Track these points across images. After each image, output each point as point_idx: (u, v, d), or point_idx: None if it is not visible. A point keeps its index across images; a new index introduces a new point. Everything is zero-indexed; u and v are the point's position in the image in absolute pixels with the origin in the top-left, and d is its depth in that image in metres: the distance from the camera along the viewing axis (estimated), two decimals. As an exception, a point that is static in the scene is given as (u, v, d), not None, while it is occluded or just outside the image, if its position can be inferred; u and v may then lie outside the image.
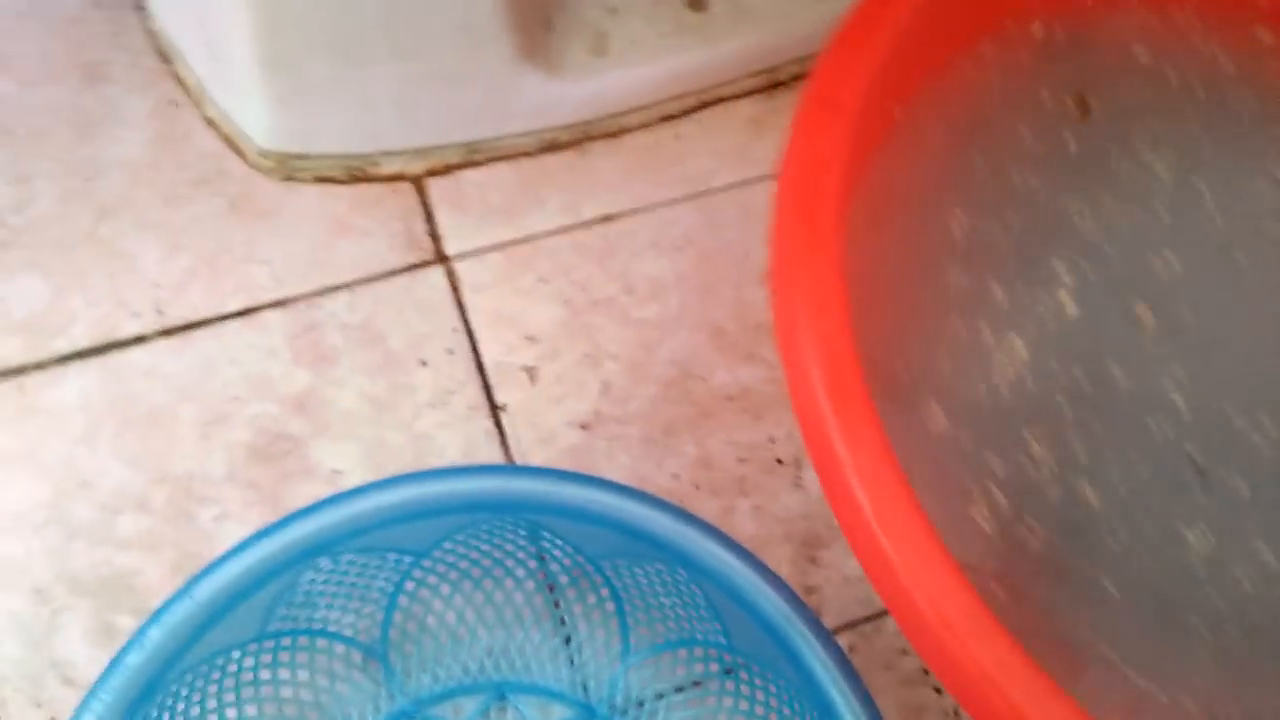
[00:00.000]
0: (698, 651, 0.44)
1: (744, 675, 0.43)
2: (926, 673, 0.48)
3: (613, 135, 0.59)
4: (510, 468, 0.44)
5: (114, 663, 0.35)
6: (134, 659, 0.35)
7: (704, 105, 0.60)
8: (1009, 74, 0.48)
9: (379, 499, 0.38)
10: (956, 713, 0.47)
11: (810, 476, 0.51)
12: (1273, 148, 0.49)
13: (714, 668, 0.43)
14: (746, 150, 0.59)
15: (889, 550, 0.33)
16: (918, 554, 0.33)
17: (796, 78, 0.61)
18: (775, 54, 0.60)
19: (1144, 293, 0.45)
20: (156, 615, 0.36)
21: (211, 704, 0.40)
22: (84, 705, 0.35)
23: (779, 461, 0.52)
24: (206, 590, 0.36)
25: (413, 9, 0.49)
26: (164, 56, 0.58)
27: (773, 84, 0.61)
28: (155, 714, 0.36)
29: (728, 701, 0.43)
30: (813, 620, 0.38)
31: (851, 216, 0.39)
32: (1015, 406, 0.43)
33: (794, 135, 0.40)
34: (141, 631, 0.36)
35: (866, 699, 0.37)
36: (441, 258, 0.55)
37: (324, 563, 0.39)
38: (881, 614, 0.49)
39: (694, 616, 0.43)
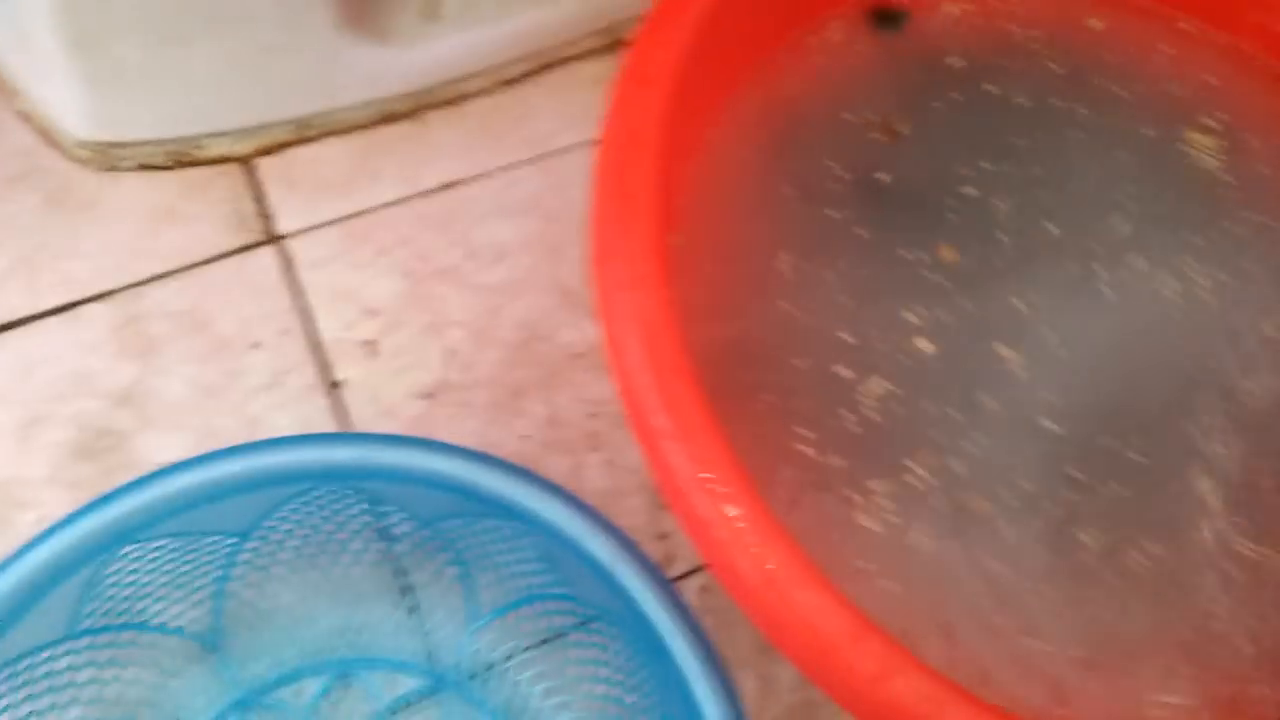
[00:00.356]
0: (550, 605, 0.42)
1: (596, 626, 0.41)
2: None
3: (451, 103, 0.58)
4: (329, 435, 0.42)
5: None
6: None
7: (546, 67, 0.59)
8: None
9: (186, 478, 0.37)
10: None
11: (665, 428, 0.50)
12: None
13: (559, 621, 0.42)
14: (590, 111, 0.58)
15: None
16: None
17: (635, 33, 0.60)
18: (616, 11, 0.59)
19: (1001, 331, 0.43)
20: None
21: (24, 709, 0.37)
22: None
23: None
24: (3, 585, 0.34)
25: (215, -22, 0.48)
26: (-31, 52, 0.55)
27: (615, 42, 0.60)
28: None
29: (575, 653, 0.42)
30: (644, 562, 0.37)
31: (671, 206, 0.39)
32: (890, 434, 0.41)
33: (612, 109, 0.39)
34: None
35: (701, 637, 0.36)
36: (273, 237, 0.53)
37: (130, 550, 0.37)
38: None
39: (535, 571, 0.41)
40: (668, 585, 0.36)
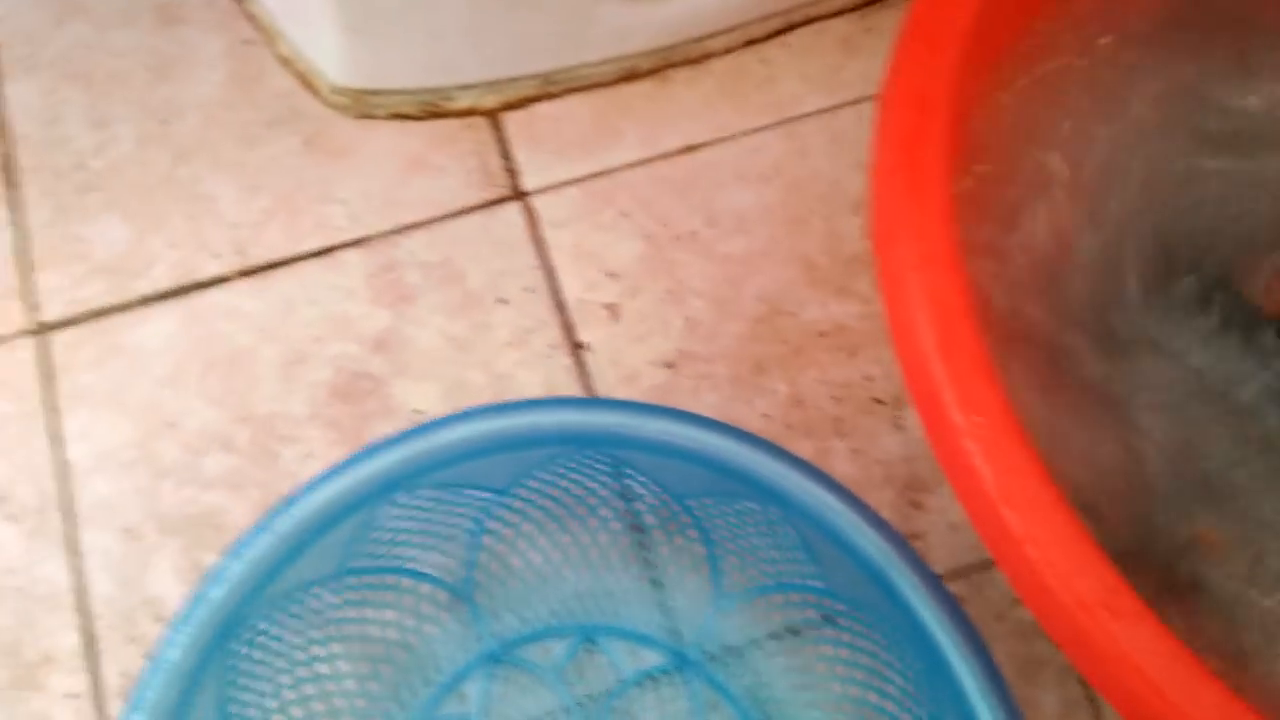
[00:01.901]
0: (794, 597, 0.42)
1: (844, 623, 0.40)
2: (1037, 621, 0.45)
3: (695, 61, 0.56)
4: (594, 400, 0.42)
5: (197, 597, 0.35)
6: (215, 592, 0.35)
7: (792, 26, 0.57)
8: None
9: (456, 432, 0.37)
10: (1070, 664, 0.44)
11: (912, 417, 0.49)
12: None
13: (812, 614, 0.41)
14: (837, 73, 0.56)
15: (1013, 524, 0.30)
16: (1045, 525, 0.30)
17: (892, -6, 0.58)
18: (868, -31, 0.57)
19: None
20: (236, 549, 0.35)
21: (296, 639, 0.39)
22: (168, 639, 0.34)
23: (877, 401, 0.49)
24: (286, 524, 0.35)
25: (485, -72, 0.47)
26: (238, -5, 0.57)
27: (865, 1, 0.57)
28: (239, 648, 0.36)
29: (826, 649, 0.41)
30: (918, 564, 0.36)
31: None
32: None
33: (894, 66, 0.37)
34: (222, 565, 0.35)
35: (980, 648, 0.34)
36: (519, 194, 0.53)
37: (401, 498, 0.38)
38: (993, 563, 0.46)
39: (789, 559, 0.40)
40: (947, 593, 0.35)
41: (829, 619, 0.41)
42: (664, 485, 0.41)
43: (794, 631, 0.42)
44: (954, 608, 0.35)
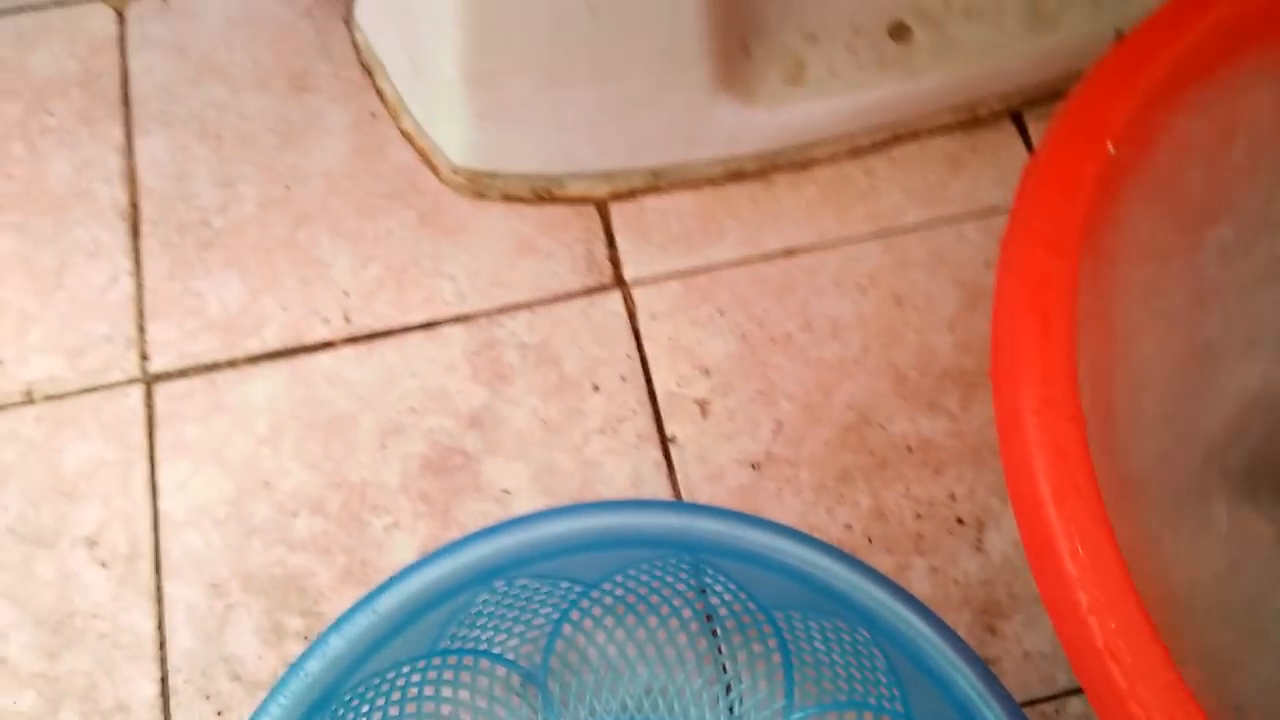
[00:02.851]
0: (869, 717, 0.41)
1: (920, 748, 0.40)
2: (1116, 766, 0.44)
3: (800, 167, 0.58)
4: (692, 506, 0.43)
5: (294, 667, 0.35)
6: (314, 666, 0.35)
7: (897, 140, 0.58)
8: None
9: (559, 526, 0.38)
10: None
11: (992, 540, 0.48)
12: None
13: (886, 735, 0.41)
14: (940, 189, 0.57)
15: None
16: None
17: (997, 114, 0.59)
18: (978, 90, 0.58)
19: None
20: (338, 624, 0.36)
21: (376, 717, 0.40)
22: (262, 708, 0.35)
23: (959, 521, 0.49)
24: (389, 603, 0.36)
25: (618, 31, 0.49)
26: (366, 69, 0.59)
27: (972, 120, 0.59)
28: (328, 723, 0.36)
29: (900, 774, 0.40)
30: (1008, 700, 0.35)
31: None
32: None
33: (1025, 200, 0.37)
34: (323, 639, 0.36)
35: (1067, 795, 0.34)
36: (620, 282, 0.54)
37: (499, 585, 0.39)
38: (1065, 694, 0.46)
39: (870, 680, 0.40)
40: (1038, 736, 0.34)
41: (907, 745, 0.40)
42: (750, 593, 0.41)
43: (870, 754, 0.41)
44: (1045, 754, 0.34)
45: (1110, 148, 0.38)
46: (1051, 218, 0.36)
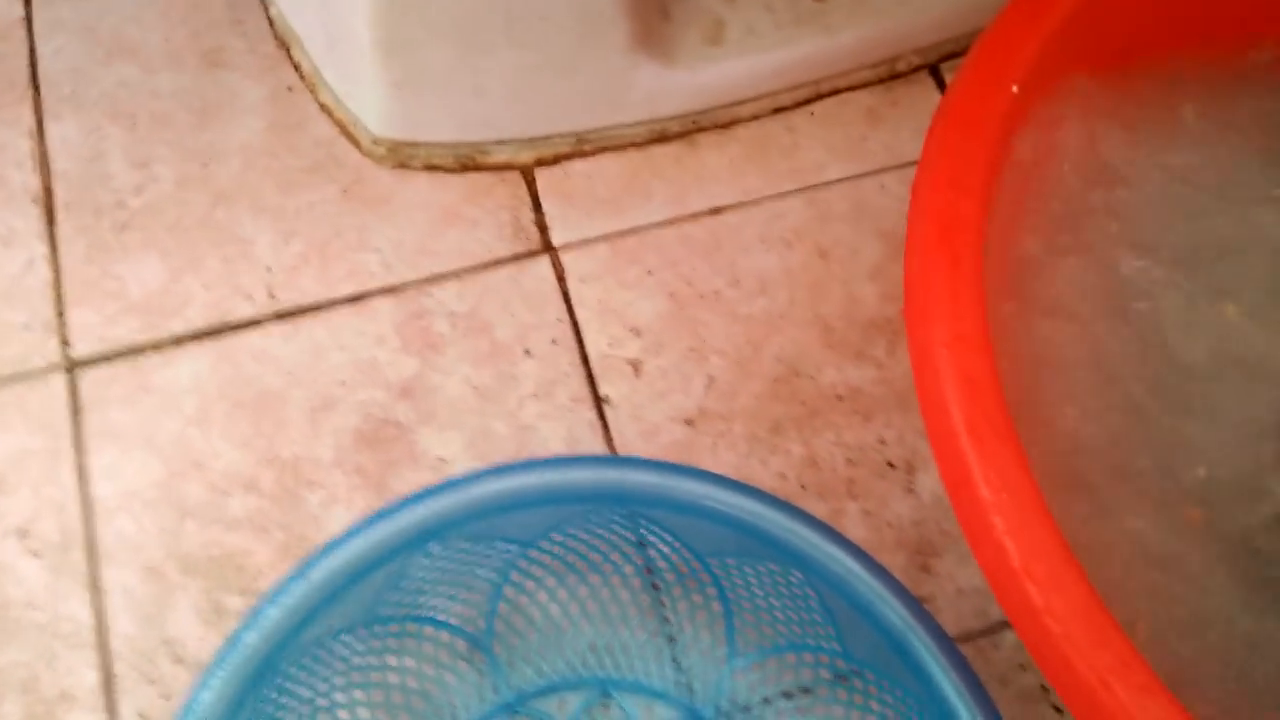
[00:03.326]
0: (808, 657, 0.42)
1: (858, 684, 0.41)
2: (1046, 689, 0.46)
3: (723, 126, 0.58)
4: (625, 459, 0.43)
5: (231, 640, 0.35)
6: (251, 638, 0.35)
7: (818, 96, 0.59)
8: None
9: (494, 485, 0.38)
10: (1077, 734, 0.45)
11: (923, 482, 0.50)
12: None
13: (825, 674, 0.42)
14: (861, 143, 0.58)
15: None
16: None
17: (915, 69, 0.60)
18: (895, 44, 0.59)
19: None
20: (273, 595, 0.36)
21: (322, 686, 0.40)
22: (202, 683, 0.35)
23: (890, 465, 0.50)
24: (322, 572, 0.36)
25: (531, -5, 0.49)
26: (281, 42, 0.58)
27: (891, 75, 0.59)
28: (269, 693, 0.36)
29: (838, 710, 0.41)
30: (936, 629, 0.37)
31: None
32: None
33: (933, 144, 0.38)
34: (258, 610, 0.36)
35: (993, 712, 0.35)
36: (549, 248, 0.54)
37: (435, 548, 0.39)
38: (997, 627, 0.47)
39: (805, 620, 0.41)
40: (964, 660, 0.36)
41: (842, 679, 0.41)
42: (686, 543, 0.42)
43: (807, 690, 0.42)
44: (970, 676, 0.36)
45: (1014, 88, 0.39)
46: (959, 158, 0.37)
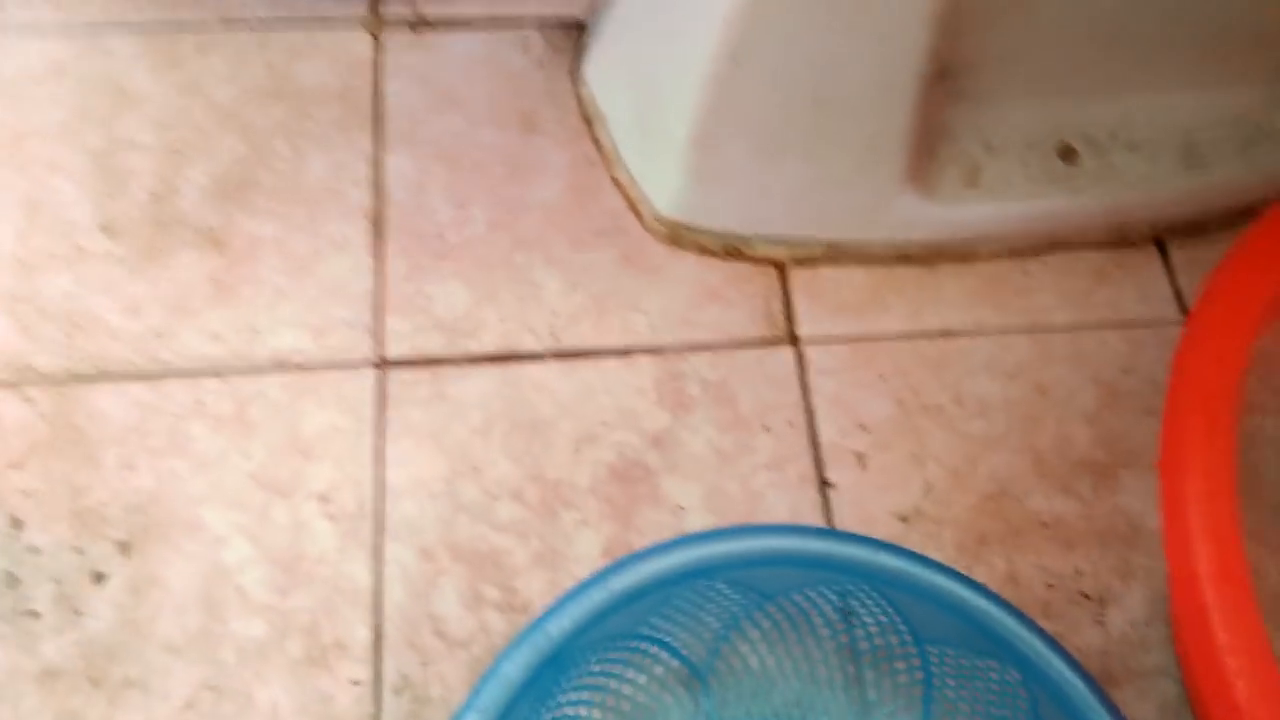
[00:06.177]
0: (1000, 752, 0.47)
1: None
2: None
3: (962, 259, 0.64)
4: (881, 542, 0.48)
5: (535, 625, 0.42)
6: (554, 627, 0.42)
7: (1053, 247, 0.65)
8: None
9: (770, 542, 0.44)
10: None
11: (1112, 616, 0.54)
12: None
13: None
14: (1088, 296, 0.63)
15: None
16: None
17: (1144, 238, 0.65)
18: (1130, 214, 0.64)
19: None
20: (575, 594, 0.42)
21: (582, 680, 0.46)
22: (506, 654, 0.41)
23: (1084, 595, 0.54)
24: (621, 582, 0.42)
25: (833, 120, 0.56)
26: (586, 119, 0.67)
27: (1122, 240, 0.65)
28: (554, 677, 0.42)
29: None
30: (1140, 750, 0.41)
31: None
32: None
33: (1204, 310, 0.43)
34: (560, 605, 0.42)
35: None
36: (794, 339, 0.61)
37: (701, 584, 0.45)
38: (1162, 765, 0.51)
39: (1009, 716, 0.46)
40: (1166, 782, 0.40)
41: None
42: (909, 623, 0.47)
43: (999, 785, 0.47)
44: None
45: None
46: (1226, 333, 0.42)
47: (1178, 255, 0.66)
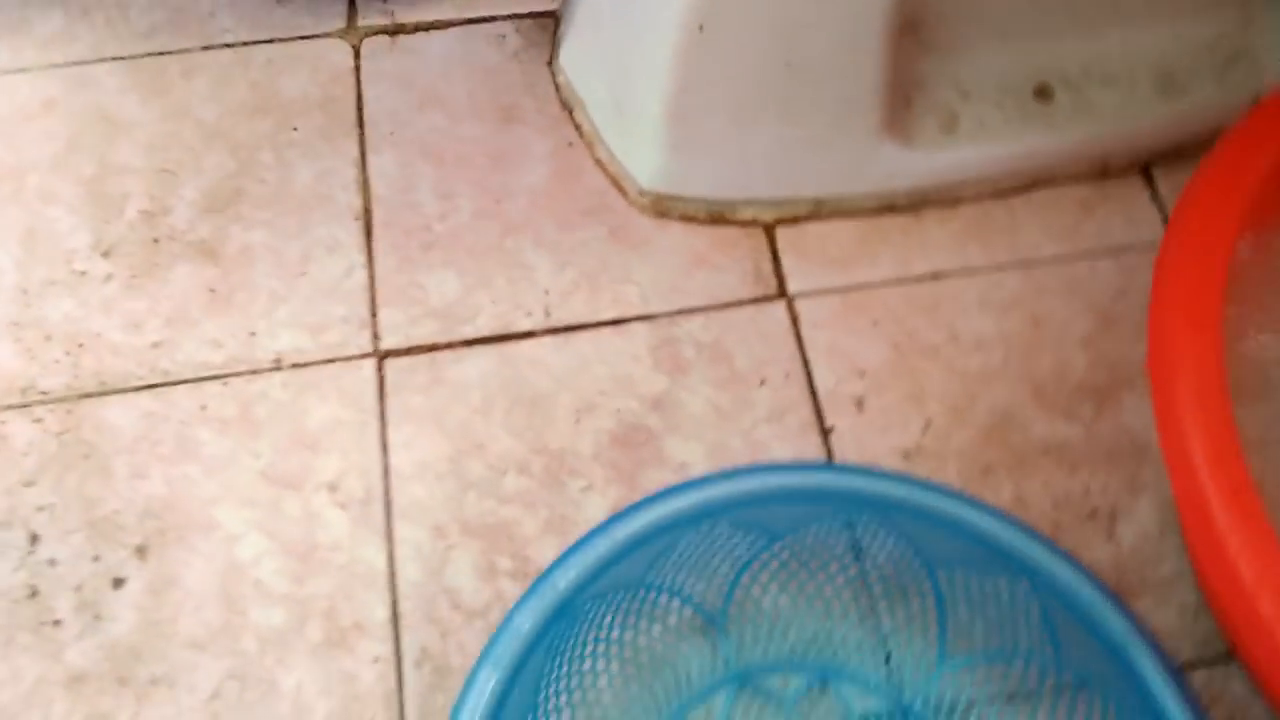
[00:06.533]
0: (1019, 665, 0.47)
1: (1070, 694, 0.45)
2: (1241, 737, 0.48)
3: (946, 204, 0.65)
4: (886, 473, 0.48)
5: (543, 577, 0.42)
6: (561, 580, 0.42)
7: (1036, 185, 0.65)
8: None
9: (772, 479, 0.44)
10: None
11: (1123, 530, 0.54)
12: None
13: (1033, 684, 0.46)
14: (1074, 229, 0.63)
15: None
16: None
17: (1128, 168, 0.65)
18: (1111, 146, 0.64)
19: None
20: (581, 545, 0.43)
21: (592, 631, 0.46)
22: (518, 606, 0.42)
23: (1093, 512, 0.54)
24: (622, 531, 0.43)
25: (806, 83, 0.57)
26: (565, 105, 0.68)
27: (1103, 172, 0.65)
28: (561, 629, 0.43)
29: (1048, 717, 0.45)
30: (1160, 650, 0.41)
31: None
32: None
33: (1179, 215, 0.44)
34: (565, 556, 0.43)
35: (1209, 726, 0.39)
36: (784, 295, 0.61)
37: (705, 526, 0.45)
38: (1185, 667, 0.50)
39: (1022, 630, 0.46)
40: (1184, 680, 0.40)
41: (1055, 688, 0.45)
42: (918, 550, 0.47)
43: (1020, 697, 0.47)
44: (1190, 693, 0.39)
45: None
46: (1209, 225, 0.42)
47: (1164, 182, 0.66)
